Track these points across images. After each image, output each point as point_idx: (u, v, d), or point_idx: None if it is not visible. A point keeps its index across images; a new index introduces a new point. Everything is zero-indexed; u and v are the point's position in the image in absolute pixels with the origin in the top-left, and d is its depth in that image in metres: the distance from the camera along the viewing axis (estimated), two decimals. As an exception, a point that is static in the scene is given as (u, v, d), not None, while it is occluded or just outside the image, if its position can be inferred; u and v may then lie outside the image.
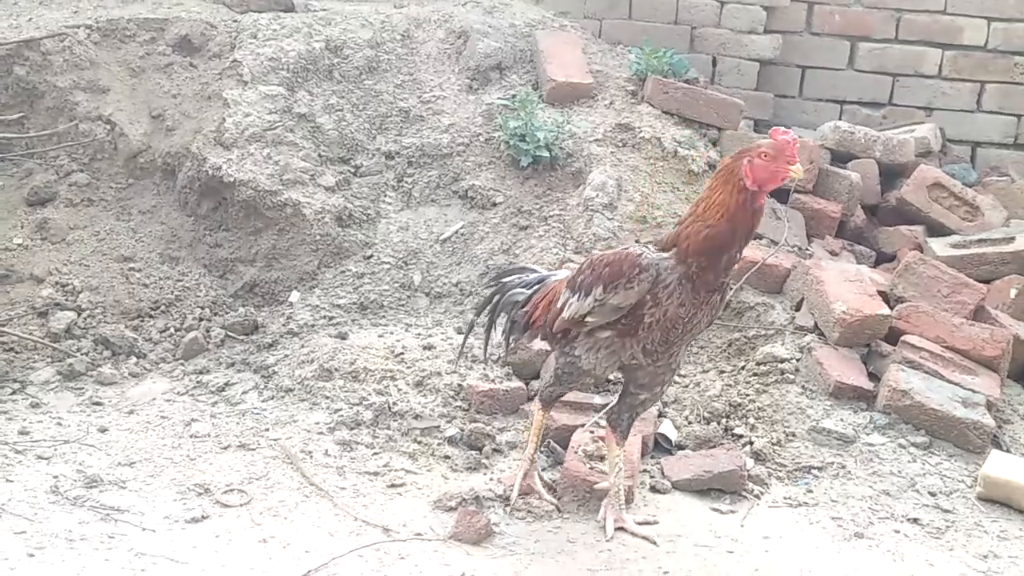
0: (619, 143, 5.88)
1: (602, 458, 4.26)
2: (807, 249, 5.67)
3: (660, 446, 4.59)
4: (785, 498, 4.34)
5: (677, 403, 4.83)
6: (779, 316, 5.21)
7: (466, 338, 4.49)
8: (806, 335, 5.05)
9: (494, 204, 5.67)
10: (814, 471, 4.50)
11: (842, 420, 4.73)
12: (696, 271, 3.69)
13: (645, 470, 4.43)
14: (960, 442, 4.68)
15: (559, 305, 3.94)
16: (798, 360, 4.95)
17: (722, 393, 4.83)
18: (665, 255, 3.72)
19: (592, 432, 4.41)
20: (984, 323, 5.16)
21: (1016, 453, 4.73)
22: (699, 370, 5.06)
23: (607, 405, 4.59)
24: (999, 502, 4.39)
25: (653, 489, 4.32)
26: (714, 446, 4.58)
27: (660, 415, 4.70)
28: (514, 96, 5.89)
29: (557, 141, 5.72)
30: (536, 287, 4.22)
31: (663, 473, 4.41)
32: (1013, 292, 5.50)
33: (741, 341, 5.15)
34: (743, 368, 5.00)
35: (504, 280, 4.33)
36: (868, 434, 4.67)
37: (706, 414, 4.71)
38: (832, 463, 4.54)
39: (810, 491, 4.39)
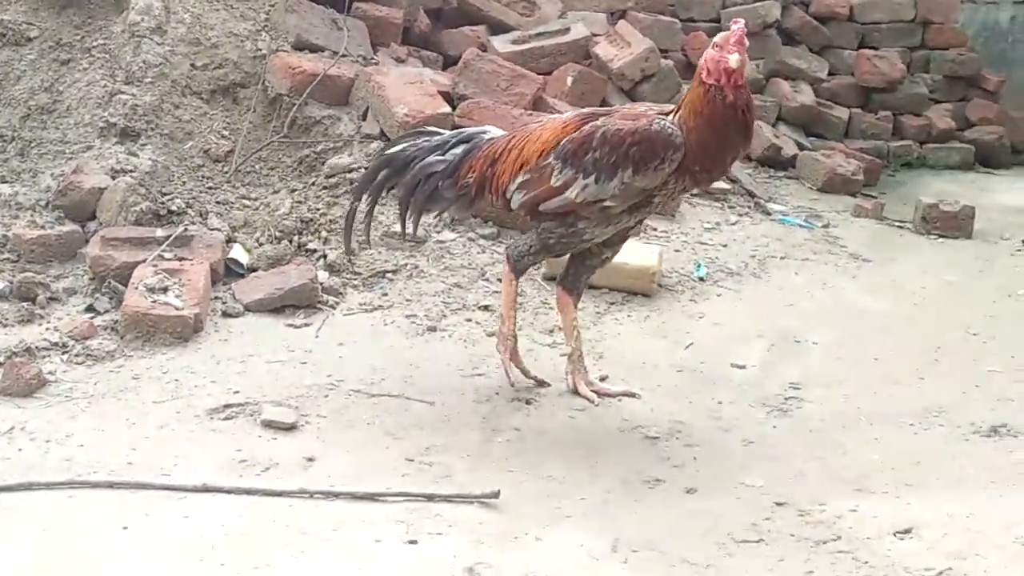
0: (163, -38, 5.49)
1: (166, 290, 4.07)
2: (372, 58, 5.58)
3: (232, 272, 4.45)
4: (360, 304, 4.35)
5: (247, 226, 4.69)
6: (346, 127, 5.14)
7: (349, 226, 3.98)
8: (373, 142, 5.01)
9: (29, 39, 5.17)
10: (388, 275, 4.53)
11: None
12: (702, 174, 3.56)
13: (216, 297, 4.29)
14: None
15: (556, 183, 3.54)
16: (366, 168, 4.90)
17: (292, 211, 4.73)
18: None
19: (155, 266, 4.19)
20: (543, 112, 5.31)
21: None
22: (269, 191, 4.92)
23: (170, 236, 4.37)
24: (563, 279, 4.60)
25: (225, 314, 4.20)
26: (287, 264, 4.49)
27: (229, 240, 4.55)
28: (37, -83, 5.33)
29: (91, -36, 5.26)
30: (457, 149, 3.75)
31: (235, 297, 4.29)
32: (569, 80, 5.70)
33: (311, 157, 5.05)
34: (313, 184, 4.91)
35: (389, 152, 3.86)
36: (439, 232, 4.73)
37: (277, 233, 4.61)
38: (406, 265, 4.59)
39: (385, 295, 4.42)
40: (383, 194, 4.00)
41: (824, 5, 7.43)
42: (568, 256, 3.87)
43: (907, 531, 3.14)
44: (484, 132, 3.85)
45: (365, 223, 4.03)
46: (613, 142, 3.50)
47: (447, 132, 3.93)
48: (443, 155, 3.78)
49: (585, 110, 3.77)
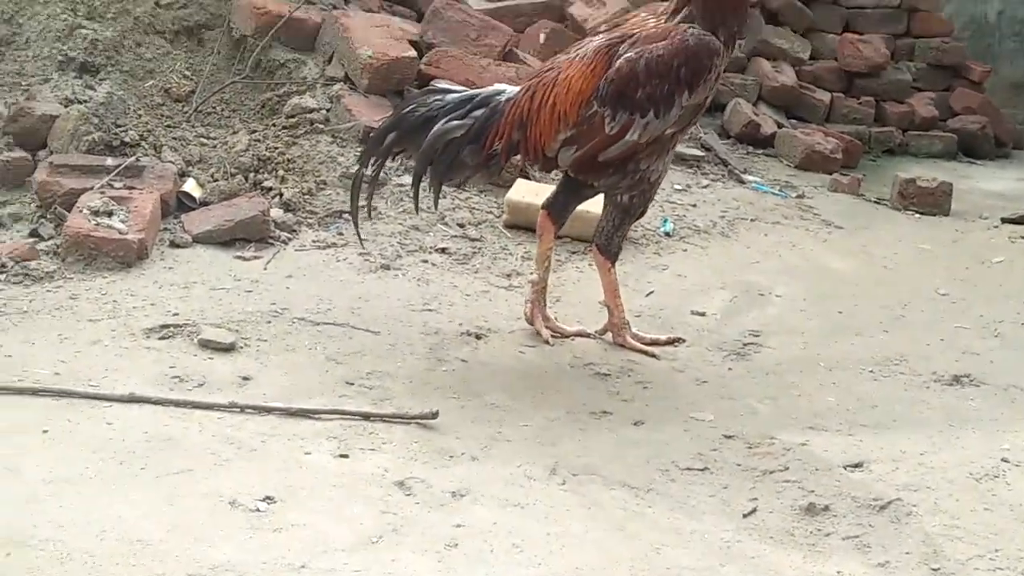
0: None
1: (111, 214, 3.96)
2: (343, 8, 5.48)
3: (184, 206, 4.33)
4: (314, 241, 4.24)
5: (203, 162, 4.56)
6: (311, 71, 5.03)
7: (356, 193, 3.70)
8: (336, 84, 4.90)
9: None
10: (346, 215, 4.40)
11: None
12: (735, 24, 3.43)
13: (165, 228, 4.17)
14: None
15: (612, 131, 3.38)
16: (328, 110, 4.81)
17: (250, 148, 4.62)
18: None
19: (103, 193, 4.07)
20: (514, 65, 5.22)
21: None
22: (229, 132, 4.79)
23: (120, 165, 4.25)
24: (524, 227, 4.48)
25: (173, 244, 4.08)
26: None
27: (183, 174, 4.43)
28: None
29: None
30: (476, 112, 3.53)
31: (184, 228, 4.17)
32: (542, 37, 5.61)
33: (273, 100, 4.94)
34: (273, 125, 4.80)
35: (405, 113, 3.60)
36: (399, 176, 4.62)
37: (232, 170, 4.49)
38: (363, 206, 4.46)
39: (341, 234, 4.30)
40: (390, 159, 3.76)
41: (809, -14, 7.34)
42: (561, 183, 3.74)
43: (857, 465, 3.04)
44: (499, 93, 3.60)
45: (368, 189, 3.74)
46: (661, 71, 3.36)
47: (458, 89, 3.69)
48: (462, 119, 3.53)
49: (598, 42, 3.53)
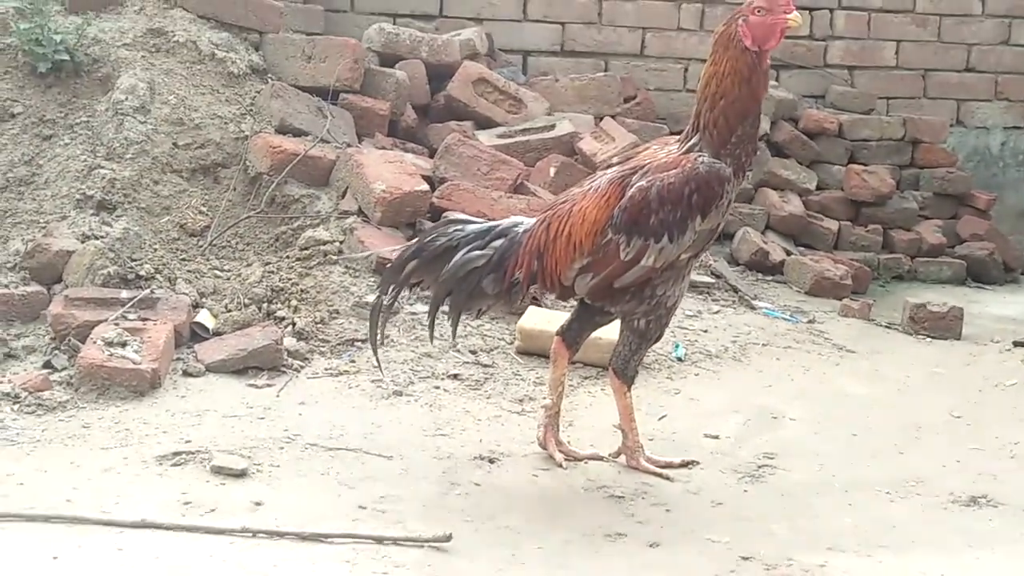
0: (151, 48, 5.55)
1: (124, 344, 3.99)
2: (356, 146, 5.60)
3: (198, 336, 4.37)
4: (326, 369, 4.26)
5: (216, 293, 4.62)
6: (325, 206, 5.12)
7: (375, 321, 3.70)
8: (349, 218, 4.99)
9: (12, 115, 5.20)
10: (358, 343, 4.44)
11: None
12: (742, 155, 3.46)
13: (179, 358, 4.20)
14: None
15: (627, 257, 3.43)
16: (341, 242, 4.88)
17: (263, 279, 4.68)
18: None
19: (117, 324, 4.12)
20: (523, 196, 5.31)
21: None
22: (243, 264, 4.86)
23: (135, 298, 4.31)
24: (536, 353, 4.50)
25: (186, 373, 4.11)
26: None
27: (196, 305, 4.48)
28: (31, 2, 5.44)
29: (81, 46, 5.34)
30: (496, 242, 3.58)
31: (197, 358, 4.20)
32: (552, 171, 5.70)
33: (287, 234, 5.01)
34: (287, 257, 4.86)
35: (426, 242, 3.62)
36: (412, 304, 4.66)
37: (246, 300, 4.55)
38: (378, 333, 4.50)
39: (353, 361, 4.33)
40: (408, 289, 3.77)
41: (813, 121, 7.46)
42: (575, 311, 3.78)
43: (878, 586, 2.99)
44: (516, 225, 3.67)
45: (383, 317, 3.76)
46: (673, 198, 3.42)
47: (476, 221, 3.74)
48: (483, 249, 3.59)
49: (611, 174, 3.60)
